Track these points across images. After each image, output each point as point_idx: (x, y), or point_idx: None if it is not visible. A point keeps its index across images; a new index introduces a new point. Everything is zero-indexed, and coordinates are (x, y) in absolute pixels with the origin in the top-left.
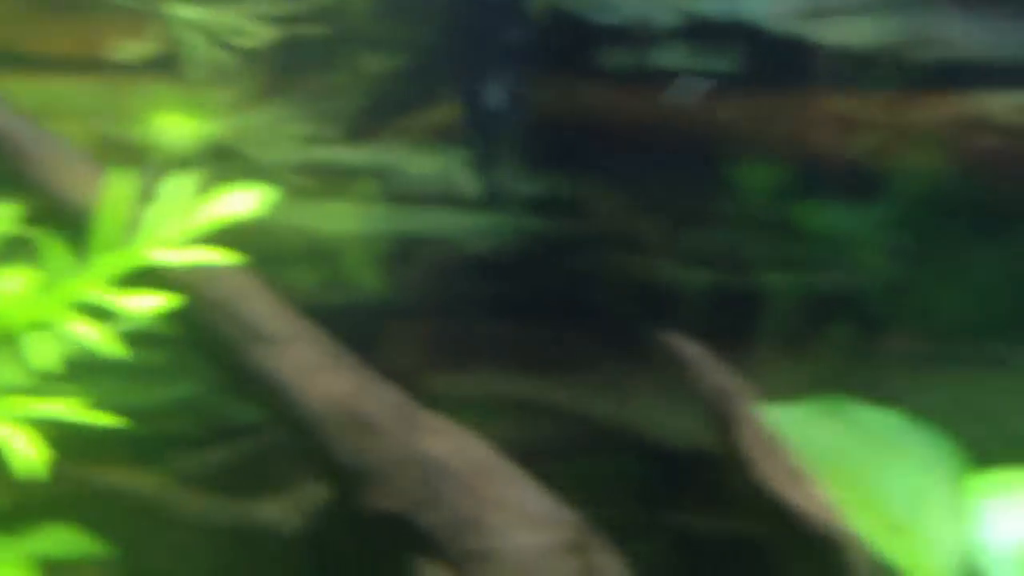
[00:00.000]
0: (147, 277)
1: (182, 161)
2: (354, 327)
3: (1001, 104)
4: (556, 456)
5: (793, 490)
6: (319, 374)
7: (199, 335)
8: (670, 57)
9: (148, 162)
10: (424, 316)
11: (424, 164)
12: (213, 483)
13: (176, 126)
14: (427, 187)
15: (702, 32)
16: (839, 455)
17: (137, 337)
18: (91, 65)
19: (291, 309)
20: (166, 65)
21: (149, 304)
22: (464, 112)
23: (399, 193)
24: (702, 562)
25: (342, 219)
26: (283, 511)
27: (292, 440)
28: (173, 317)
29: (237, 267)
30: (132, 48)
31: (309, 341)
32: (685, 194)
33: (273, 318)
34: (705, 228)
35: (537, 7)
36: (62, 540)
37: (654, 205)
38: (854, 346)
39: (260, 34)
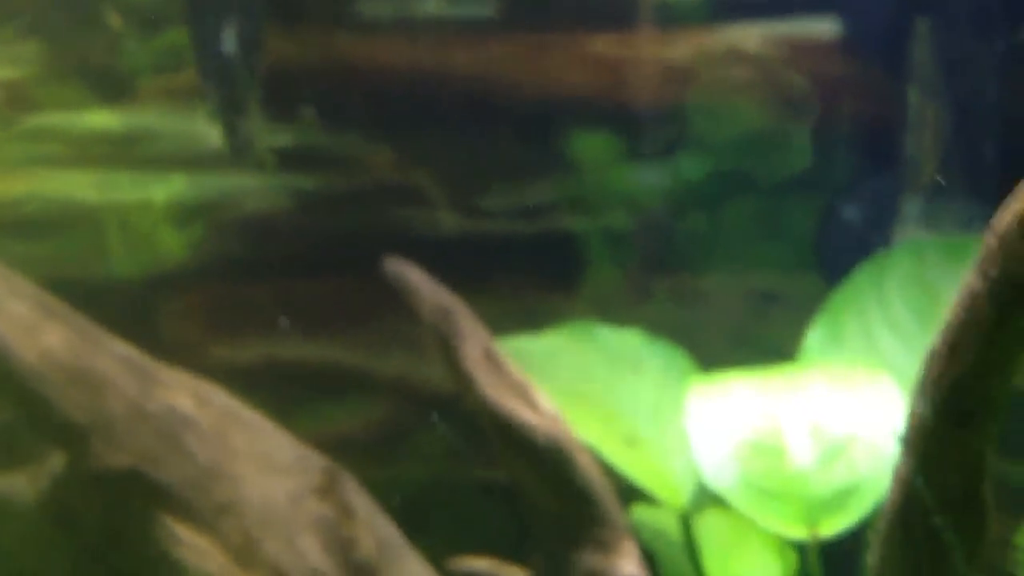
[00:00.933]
0: None
1: None
2: (124, 301)
3: (748, 36)
4: (345, 419)
5: (517, 403)
6: (36, 331)
7: None
8: (429, 4)
9: None
10: (198, 283)
11: (180, 126)
12: None
13: None
14: (186, 150)
15: None
16: (584, 376)
17: None
18: None
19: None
20: None
21: None
22: (197, 62)
23: (158, 157)
24: (510, 514)
25: (101, 187)
26: (27, 481)
27: (11, 401)
28: None
29: None
30: None
31: (23, 297)
32: (456, 144)
33: None
34: (479, 178)
35: None
36: None
37: (425, 156)
38: (643, 284)
39: None
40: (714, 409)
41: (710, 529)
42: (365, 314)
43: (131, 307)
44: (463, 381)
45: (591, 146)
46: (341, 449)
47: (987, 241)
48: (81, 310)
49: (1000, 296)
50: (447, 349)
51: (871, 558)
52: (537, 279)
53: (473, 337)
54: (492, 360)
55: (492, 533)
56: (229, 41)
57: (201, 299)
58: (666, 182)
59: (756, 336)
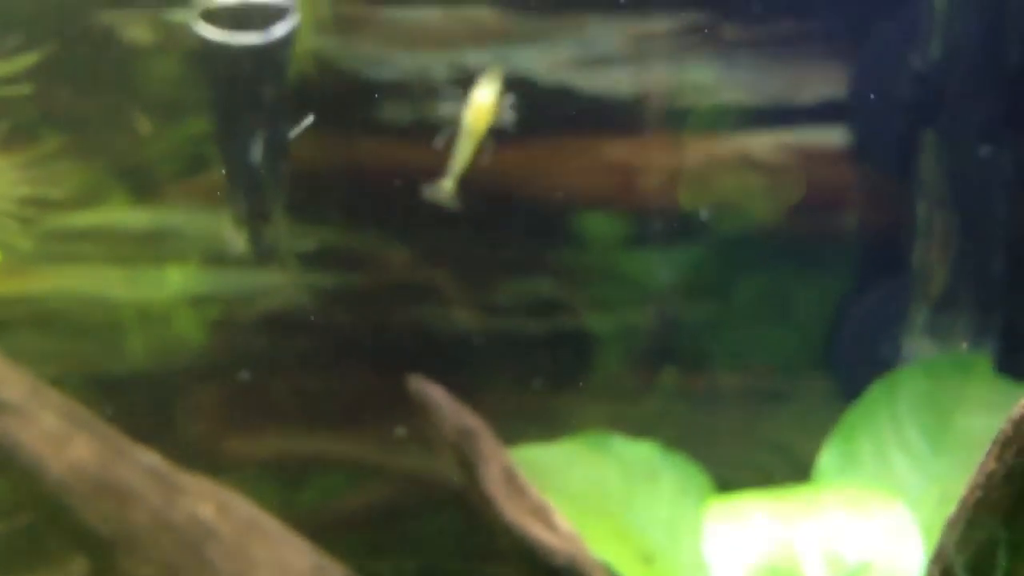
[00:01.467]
0: None
1: None
2: (145, 394)
3: (760, 144)
4: (364, 512)
5: (536, 525)
6: (65, 442)
7: None
8: (448, 109)
9: None
10: (217, 378)
11: (207, 225)
12: None
13: None
14: (209, 248)
15: (476, 85)
16: (599, 488)
17: None
18: None
19: (30, 377)
20: None
21: None
22: (225, 171)
23: (181, 255)
24: None
25: (125, 284)
26: None
27: (42, 512)
28: None
29: None
30: None
31: (52, 409)
32: (476, 243)
33: (12, 386)
34: (501, 276)
35: (306, 64)
36: None
37: (444, 255)
38: (652, 381)
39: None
40: (731, 532)
41: None
42: (382, 409)
43: (151, 402)
44: (484, 503)
45: (601, 226)
46: (351, 540)
47: (1004, 428)
48: (103, 405)
49: (1016, 482)
50: (468, 471)
51: None
52: (548, 375)
53: (494, 459)
54: (512, 482)
55: None
56: (256, 150)
57: (219, 394)
58: (673, 270)
59: (763, 434)
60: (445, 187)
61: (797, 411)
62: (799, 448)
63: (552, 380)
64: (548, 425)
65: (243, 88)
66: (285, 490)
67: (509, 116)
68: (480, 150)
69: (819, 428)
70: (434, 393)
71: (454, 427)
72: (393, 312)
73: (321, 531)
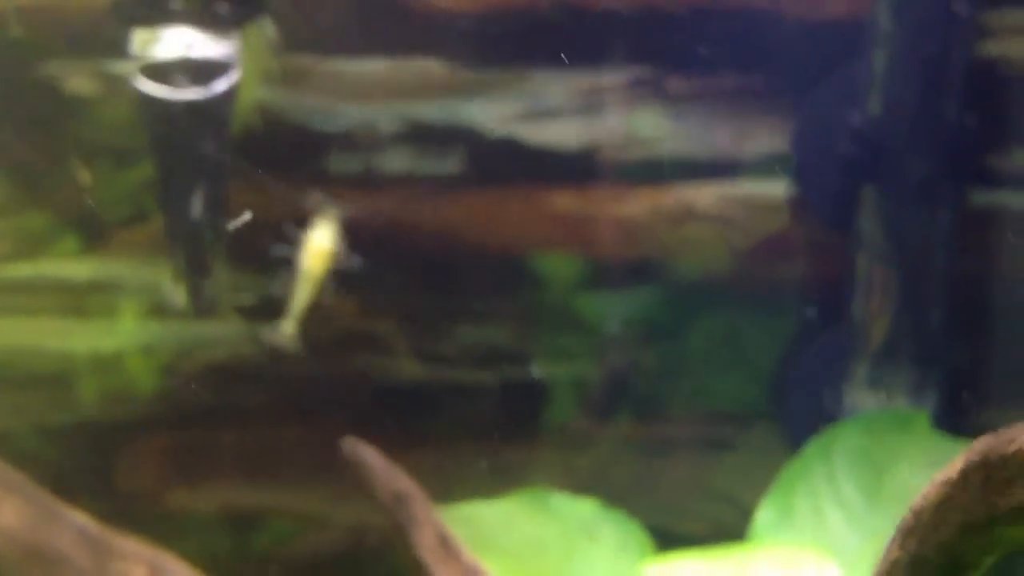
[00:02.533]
0: None
1: None
2: (87, 446)
3: (703, 195)
4: (315, 560)
5: None
6: None
7: None
8: (396, 161)
9: None
10: (159, 429)
11: (148, 275)
12: None
13: None
14: (153, 299)
15: (424, 136)
16: (538, 546)
17: None
18: None
19: None
20: None
21: None
22: (165, 225)
23: (124, 306)
24: None
25: (67, 336)
26: None
27: None
28: None
29: None
30: None
31: None
32: (423, 293)
33: None
34: (448, 326)
35: (252, 116)
36: None
37: (390, 305)
38: (600, 432)
39: None
40: None
41: None
42: (326, 461)
43: (98, 452)
44: (417, 567)
45: (550, 273)
46: None
47: (906, 517)
48: (45, 456)
49: (915, 571)
50: (401, 535)
51: None
52: (496, 425)
53: (427, 523)
54: (445, 545)
55: None
56: (196, 205)
57: (162, 445)
58: (620, 320)
59: (709, 483)
60: (285, 330)
61: (744, 461)
62: (745, 498)
63: (500, 430)
64: (497, 475)
65: (183, 142)
66: (235, 537)
67: (349, 258)
68: (321, 291)
69: (765, 478)
70: (368, 456)
71: (388, 491)
72: (339, 362)
73: None
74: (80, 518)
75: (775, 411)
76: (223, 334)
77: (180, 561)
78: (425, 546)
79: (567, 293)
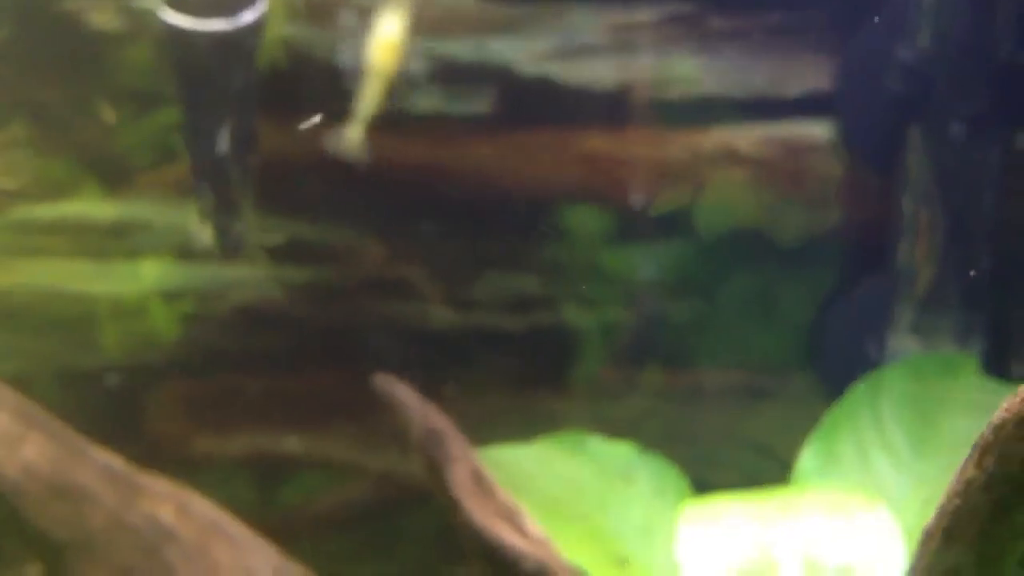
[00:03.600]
0: None
1: None
2: (109, 390)
3: (745, 138)
4: (343, 513)
5: (505, 528)
6: (18, 443)
7: None
8: (424, 100)
9: None
10: (186, 375)
11: (176, 217)
12: None
13: None
14: (178, 241)
15: (454, 74)
16: (573, 490)
17: None
18: None
19: None
20: None
21: None
22: (191, 163)
23: (149, 248)
24: None
25: (91, 278)
26: None
27: None
28: None
29: None
30: None
31: (5, 409)
32: (449, 238)
33: None
34: (478, 271)
35: (277, 52)
36: None
37: (420, 250)
38: (639, 382)
39: None
40: (706, 535)
41: None
42: (354, 408)
43: (118, 398)
44: (451, 505)
45: (583, 221)
46: (319, 540)
47: (985, 434)
48: (68, 401)
49: (996, 490)
50: (435, 473)
51: None
52: (527, 372)
53: (461, 461)
54: (480, 484)
55: None
56: (223, 142)
57: (188, 390)
58: (656, 266)
59: (746, 433)
60: (350, 136)
61: (781, 410)
62: (782, 448)
63: (532, 378)
64: (528, 424)
65: (209, 76)
66: (262, 490)
67: (419, 61)
68: (390, 94)
69: (802, 428)
70: (401, 393)
71: (421, 428)
72: (368, 308)
73: (299, 533)
74: (105, 456)
75: (815, 359)
76: (250, 277)
77: (206, 500)
78: (459, 483)
79: (598, 242)
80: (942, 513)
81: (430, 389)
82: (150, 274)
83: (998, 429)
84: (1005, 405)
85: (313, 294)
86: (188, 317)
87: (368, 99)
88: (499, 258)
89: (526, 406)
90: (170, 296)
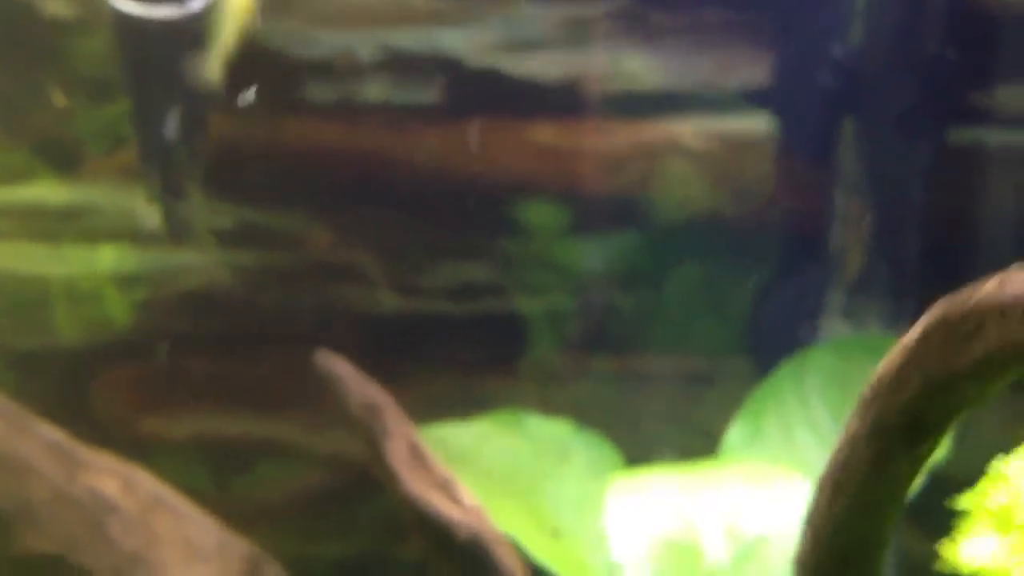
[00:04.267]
0: None
1: None
2: (58, 373)
3: (686, 130)
4: (301, 498)
5: (441, 499)
6: None
7: None
8: (374, 90)
9: None
10: (134, 357)
11: (127, 201)
12: None
13: None
14: (129, 225)
15: (404, 65)
16: (510, 466)
17: None
18: None
19: None
20: None
21: None
22: (139, 145)
23: (100, 231)
24: None
25: (42, 260)
26: None
27: None
28: None
29: None
30: None
31: None
32: (397, 224)
33: None
34: (426, 258)
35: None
36: None
37: (366, 236)
38: (580, 365)
39: None
40: (633, 507)
41: None
42: (301, 390)
43: (67, 380)
44: (388, 477)
45: (532, 211)
46: (271, 524)
47: (864, 390)
48: (18, 382)
49: (875, 442)
50: (373, 445)
51: None
52: (474, 358)
53: (398, 433)
54: (417, 456)
55: None
56: (172, 125)
57: (137, 373)
58: (592, 266)
59: (688, 417)
60: (205, 64)
61: (721, 394)
62: (721, 430)
63: (479, 364)
64: (475, 408)
65: (159, 62)
66: (214, 474)
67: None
68: (246, 30)
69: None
70: (340, 368)
71: (359, 402)
72: (315, 292)
73: (257, 517)
74: (50, 431)
75: (752, 344)
76: (199, 262)
77: (149, 475)
78: (397, 456)
79: (546, 232)
80: (831, 465)
81: (377, 373)
82: (102, 258)
83: (878, 383)
84: (884, 360)
85: (261, 278)
86: (139, 300)
87: (225, 33)
88: (447, 246)
89: (473, 391)
90: (121, 280)
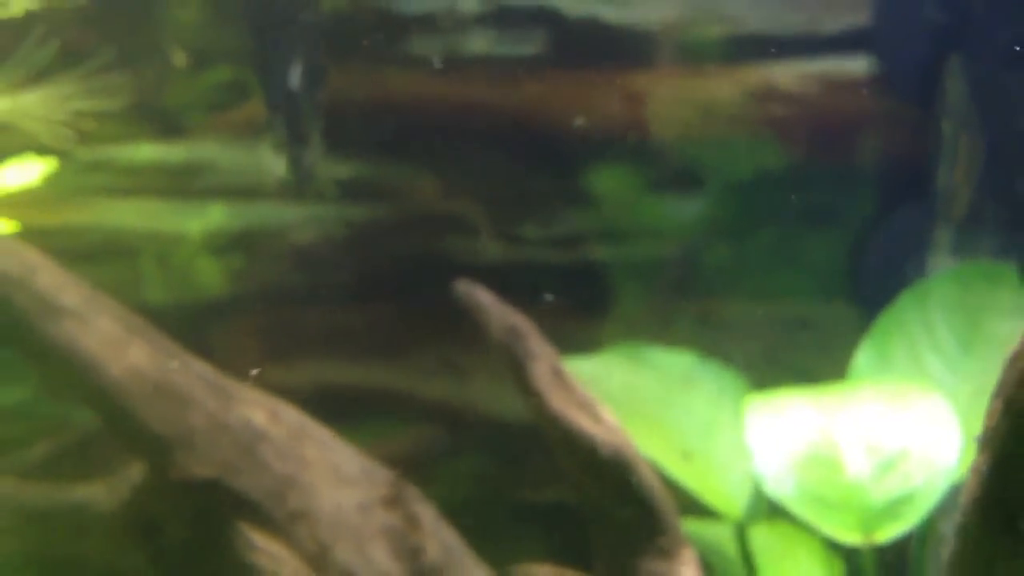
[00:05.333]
0: None
1: None
2: (181, 325)
3: (785, 74)
4: (393, 443)
5: (583, 418)
6: (122, 346)
7: None
8: (477, 43)
9: None
10: (253, 310)
11: (239, 158)
12: (36, 476)
13: None
14: (243, 181)
15: (506, 17)
16: (636, 396)
17: None
18: None
19: (86, 283)
20: None
21: None
22: (265, 94)
23: (214, 188)
24: (541, 534)
25: (160, 217)
26: (106, 491)
27: (98, 413)
28: None
29: (23, 243)
30: None
31: (109, 314)
32: (500, 175)
33: (69, 291)
34: (527, 208)
35: None
36: None
37: (470, 187)
38: (672, 311)
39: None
40: (773, 423)
41: (759, 541)
42: (411, 340)
43: (186, 333)
44: (533, 398)
45: (615, 179)
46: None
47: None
48: None
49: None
50: (517, 367)
51: (946, 551)
52: (575, 306)
53: (542, 356)
54: (560, 378)
55: (527, 556)
56: (295, 75)
57: (253, 325)
58: (693, 215)
59: (788, 362)
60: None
61: (821, 338)
62: (823, 374)
63: (576, 311)
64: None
65: (280, 9)
66: (331, 424)
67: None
68: None
69: (842, 354)
70: (481, 295)
71: (502, 326)
72: (422, 243)
73: None
74: (200, 364)
75: (856, 286)
76: (309, 216)
77: (295, 409)
78: (541, 377)
79: (642, 179)
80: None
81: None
82: (217, 213)
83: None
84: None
85: (370, 230)
86: (252, 255)
87: None
88: (549, 195)
89: (576, 337)
90: (235, 235)
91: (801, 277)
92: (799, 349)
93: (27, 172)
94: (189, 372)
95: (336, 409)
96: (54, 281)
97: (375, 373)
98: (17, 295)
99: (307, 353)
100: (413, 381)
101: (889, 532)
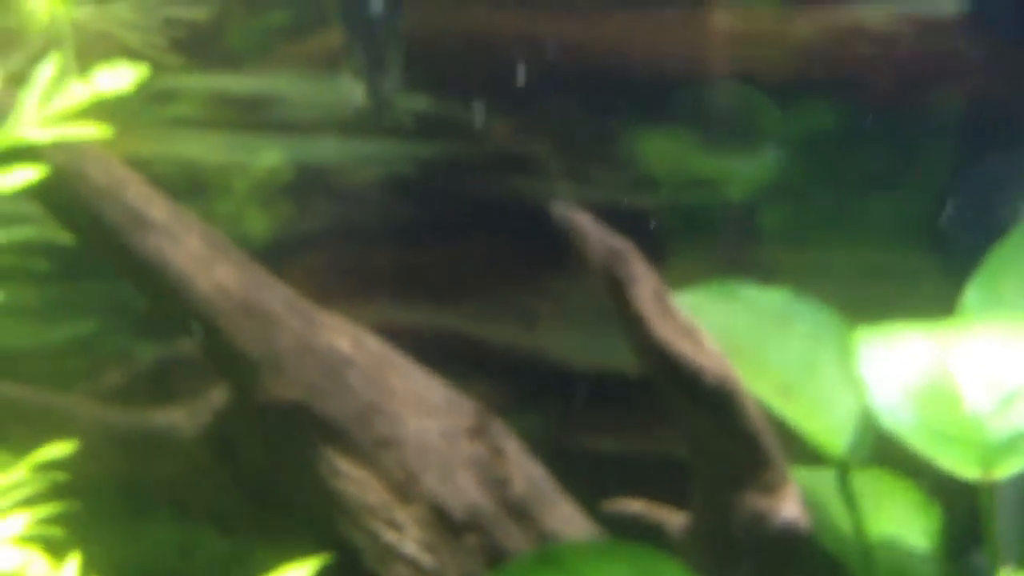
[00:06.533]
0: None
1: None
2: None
3: (872, 15)
4: (459, 381)
5: (687, 344)
6: (210, 264)
7: (83, 222)
8: None
9: (19, 45)
10: (319, 247)
11: (311, 91)
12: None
13: (46, 9)
14: (314, 115)
15: None
16: (731, 332)
17: (22, 276)
18: None
19: (172, 201)
20: None
21: (20, 179)
22: (344, 20)
23: (283, 122)
24: (610, 483)
25: (228, 150)
26: (187, 416)
27: (185, 330)
28: (55, 205)
29: (115, 159)
30: None
31: (196, 231)
32: (574, 115)
33: (157, 206)
34: (600, 148)
35: None
36: None
37: (543, 127)
38: (769, 259)
39: None
40: (886, 356)
41: (862, 485)
42: (479, 282)
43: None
44: (634, 321)
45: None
46: None
47: None
48: None
49: None
50: (618, 290)
51: None
52: (645, 249)
53: (645, 279)
54: (662, 302)
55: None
56: (375, 1)
57: (318, 263)
58: (770, 161)
59: (867, 311)
60: None
61: (904, 287)
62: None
63: (655, 252)
64: None
65: None
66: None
67: None
68: None
69: (928, 303)
70: (580, 218)
71: (602, 248)
72: (494, 183)
73: None
74: (284, 287)
75: (945, 233)
76: (379, 152)
77: (375, 336)
78: (644, 301)
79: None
80: None
81: (548, 262)
82: (285, 147)
83: None
84: None
85: (441, 168)
86: (320, 190)
87: None
88: (622, 137)
89: None
90: (301, 168)
91: (884, 226)
92: (881, 299)
93: (119, 78)
94: (275, 294)
95: (401, 349)
96: (142, 195)
97: (441, 315)
98: (109, 208)
99: (372, 294)
100: (479, 324)
101: (1008, 468)
